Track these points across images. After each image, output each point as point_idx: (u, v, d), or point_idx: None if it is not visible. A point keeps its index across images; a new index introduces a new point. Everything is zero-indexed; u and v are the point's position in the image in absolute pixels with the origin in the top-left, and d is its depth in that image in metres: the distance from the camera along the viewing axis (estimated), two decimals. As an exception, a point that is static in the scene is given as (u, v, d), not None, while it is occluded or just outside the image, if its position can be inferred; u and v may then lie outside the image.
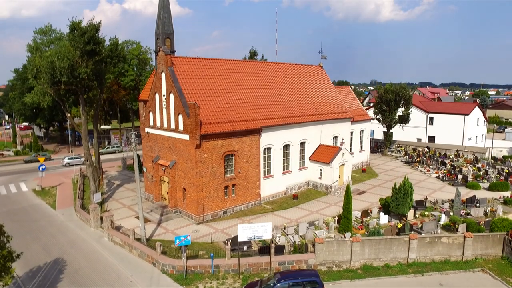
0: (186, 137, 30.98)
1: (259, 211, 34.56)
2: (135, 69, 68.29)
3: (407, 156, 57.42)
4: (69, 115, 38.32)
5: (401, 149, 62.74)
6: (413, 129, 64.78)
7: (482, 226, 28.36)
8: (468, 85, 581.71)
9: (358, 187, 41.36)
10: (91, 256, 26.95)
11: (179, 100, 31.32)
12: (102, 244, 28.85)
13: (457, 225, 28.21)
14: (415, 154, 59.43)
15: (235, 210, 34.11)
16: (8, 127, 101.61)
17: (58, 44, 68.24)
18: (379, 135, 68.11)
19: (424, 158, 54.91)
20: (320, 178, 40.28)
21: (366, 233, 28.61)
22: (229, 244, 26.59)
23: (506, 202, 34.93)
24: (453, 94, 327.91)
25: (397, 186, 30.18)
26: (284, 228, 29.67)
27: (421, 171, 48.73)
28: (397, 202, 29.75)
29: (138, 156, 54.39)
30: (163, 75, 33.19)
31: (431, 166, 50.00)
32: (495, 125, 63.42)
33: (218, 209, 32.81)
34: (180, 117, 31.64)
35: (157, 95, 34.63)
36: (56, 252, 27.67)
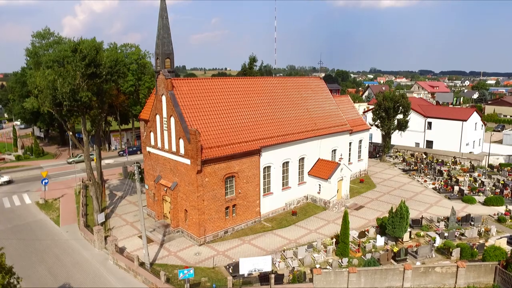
0: (187, 161, 31.55)
1: (259, 230, 35.39)
2: (135, 72, 68.14)
3: (404, 163, 58.13)
4: (70, 133, 38.79)
5: (399, 155, 63.45)
6: (412, 133, 65.25)
7: (476, 250, 29.27)
8: (468, 73, 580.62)
9: (356, 201, 42.14)
10: (97, 281, 27.81)
11: (180, 125, 31.78)
12: (107, 268, 29.71)
13: (451, 249, 29.07)
14: (413, 160, 60.21)
15: (236, 229, 34.93)
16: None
17: (56, 48, 68.24)
18: (377, 138, 68.61)
19: (422, 166, 55.70)
20: (319, 193, 41.03)
21: (363, 256, 29.52)
22: (230, 270, 27.59)
23: (500, 220, 35.80)
24: (453, 84, 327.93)
25: (393, 210, 30.98)
26: (283, 251, 30.53)
27: (418, 181, 49.50)
28: (393, 226, 30.58)
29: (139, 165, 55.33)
30: (163, 98, 33.56)
31: (428, 176, 50.76)
32: (492, 132, 63.47)
33: (219, 229, 33.62)
34: (181, 141, 32.15)
35: (157, 117, 35.05)
36: (62, 276, 28.54)
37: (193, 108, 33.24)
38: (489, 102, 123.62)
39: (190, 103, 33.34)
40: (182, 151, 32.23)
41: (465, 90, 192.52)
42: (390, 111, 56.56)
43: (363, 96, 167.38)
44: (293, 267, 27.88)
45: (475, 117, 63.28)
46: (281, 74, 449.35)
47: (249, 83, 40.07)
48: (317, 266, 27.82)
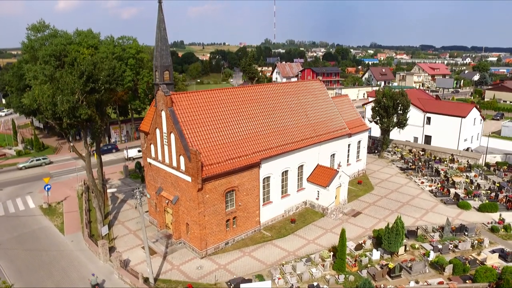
0: (188, 178, 32.03)
1: (259, 240, 36.38)
2: (133, 67, 67.46)
3: (403, 161, 58.74)
4: (71, 144, 38.94)
5: (397, 151, 63.96)
6: (411, 128, 65.34)
7: (468, 265, 30.35)
8: (470, 49, 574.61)
9: (354, 207, 42.97)
10: (104, 299, 28.96)
11: (180, 142, 32.05)
12: (113, 283, 30.76)
13: (444, 266, 30.14)
14: (411, 156, 60.86)
15: (236, 240, 35.90)
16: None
17: (53, 41, 67.19)
18: (377, 132, 68.79)
19: (419, 164, 56.37)
20: (317, 199, 41.82)
21: (359, 272, 30.60)
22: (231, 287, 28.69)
23: (493, 229, 36.78)
24: (453, 61, 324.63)
25: (390, 226, 31.84)
26: (282, 266, 31.57)
27: (415, 181, 50.26)
28: (389, 241, 31.54)
29: (139, 163, 55.85)
30: (163, 114, 33.65)
31: (425, 177, 51.44)
32: (490, 132, 63.47)
33: (220, 241, 34.56)
34: (182, 158, 32.51)
35: (157, 131, 35.24)
36: (70, 292, 29.66)
37: (193, 123, 33.37)
38: (489, 87, 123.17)
39: (190, 118, 33.45)
40: (182, 167, 32.65)
41: (466, 71, 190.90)
42: (389, 109, 56.59)
43: (363, 78, 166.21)
44: (292, 284, 28.96)
45: (474, 113, 63.35)
46: (280, 50, 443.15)
47: (248, 92, 39.94)
48: (315, 284, 28.90)
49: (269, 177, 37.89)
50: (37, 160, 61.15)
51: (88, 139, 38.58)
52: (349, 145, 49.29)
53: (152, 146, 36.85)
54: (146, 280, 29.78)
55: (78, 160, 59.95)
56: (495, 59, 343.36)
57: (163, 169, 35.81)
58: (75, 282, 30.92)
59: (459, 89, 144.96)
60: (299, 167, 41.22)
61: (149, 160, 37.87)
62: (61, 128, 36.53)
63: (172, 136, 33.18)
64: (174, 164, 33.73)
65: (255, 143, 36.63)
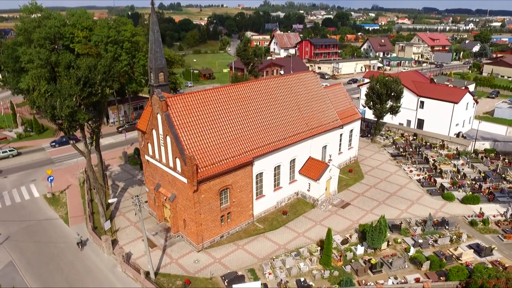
0: (184, 179, 33.77)
1: (252, 232, 38.78)
2: (129, 50, 67.17)
3: (394, 146, 60.39)
4: (72, 142, 40.24)
5: (390, 135, 65.42)
6: (404, 111, 66.39)
7: (444, 261, 32.90)
8: (474, 12, 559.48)
9: (343, 197, 45.11)
10: (110, 291, 31.68)
11: (175, 146, 33.46)
12: (117, 276, 33.45)
13: (422, 262, 32.66)
14: (402, 141, 62.48)
15: (231, 233, 38.28)
16: None
17: (46, 23, 66.46)
18: (371, 115, 69.85)
19: (410, 150, 58.11)
20: (308, 190, 43.88)
21: (343, 267, 33.18)
22: (226, 283, 31.32)
23: (472, 223, 39.11)
24: (456, 27, 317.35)
25: (374, 224, 34.07)
26: (273, 260, 34.12)
27: (404, 169, 52.19)
28: (373, 239, 33.91)
29: (138, 150, 57.34)
30: (159, 117, 34.78)
31: (414, 165, 53.30)
32: (480, 120, 64.07)
33: (215, 235, 36.93)
34: (178, 160, 34.06)
35: (154, 132, 36.51)
36: (78, 285, 32.28)
37: (188, 126, 34.57)
38: (488, 61, 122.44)
39: (185, 121, 34.62)
40: (179, 169, 34.28)
41: (467, 41, 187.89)
42: (382, 96, 57.43)
43: (362, 49, 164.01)
44: (281, 279, 31.57)
45: (467, 98, 64.18)
46: (279, 13, 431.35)
47: (241, 89, 40.70)
48: (302, 279, 31.49)
49: (262, 173, 39.65)
50: (3, 152, 59.62)
51: (87, 136, 39.84)
52: (341, 134, 50.69)
53: (149, 144, 38.26)
54: (147, 274, 32.36)
55: (78, 143, 61.27)
56: (499, 24, 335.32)
57: (160, 167, 37.45)
58: (82, 275, 33.56)
59: (444, 64, 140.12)
60: (291, 161, 42.90)
61: (147, 157, 39.42)
62: (61, 129, 37.76)
63: (168, 139, 34.50)
64: (171, 164, 35.33)
65: (248, 142, 38.04)
